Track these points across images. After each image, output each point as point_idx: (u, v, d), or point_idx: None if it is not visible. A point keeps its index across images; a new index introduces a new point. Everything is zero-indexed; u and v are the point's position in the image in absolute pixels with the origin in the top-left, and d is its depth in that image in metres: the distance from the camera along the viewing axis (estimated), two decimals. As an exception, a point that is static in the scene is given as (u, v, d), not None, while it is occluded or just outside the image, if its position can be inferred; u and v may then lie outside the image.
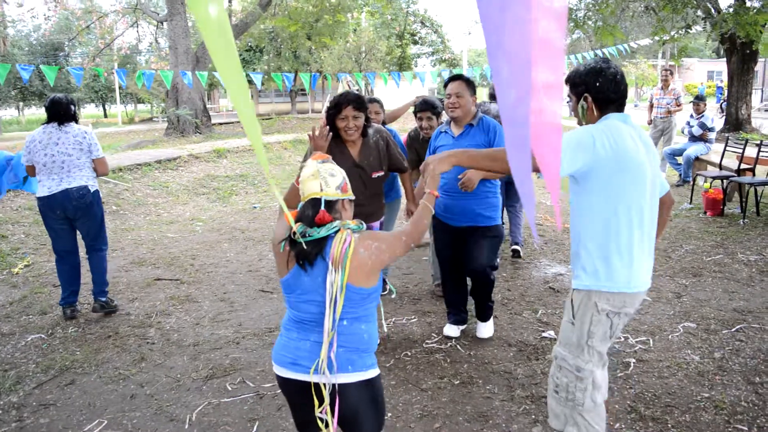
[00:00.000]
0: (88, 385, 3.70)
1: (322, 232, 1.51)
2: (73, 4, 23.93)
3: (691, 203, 8.02)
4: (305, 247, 1.95)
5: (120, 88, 30.57)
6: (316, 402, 2.00)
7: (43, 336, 4.48)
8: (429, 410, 3.26)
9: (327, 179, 2.06)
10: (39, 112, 47.81)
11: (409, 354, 3.97)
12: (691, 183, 8.70)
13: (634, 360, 3.74)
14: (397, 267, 5.87)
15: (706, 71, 53.56)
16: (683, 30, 8.21)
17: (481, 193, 3.85)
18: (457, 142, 3.87)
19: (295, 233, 1.96)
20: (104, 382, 3.73)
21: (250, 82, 31.14)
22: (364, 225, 2.11)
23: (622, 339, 4.05)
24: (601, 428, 2.44)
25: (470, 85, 3.94)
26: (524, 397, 3.35)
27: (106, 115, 43.40)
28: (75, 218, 4.70)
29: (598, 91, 2.39)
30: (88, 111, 47.53)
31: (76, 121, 4.81)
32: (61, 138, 4.65)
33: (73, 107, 4.77)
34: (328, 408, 1.96)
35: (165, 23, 20.56)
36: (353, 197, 2.15)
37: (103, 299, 4.88)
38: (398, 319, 4.60)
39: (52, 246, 4.85)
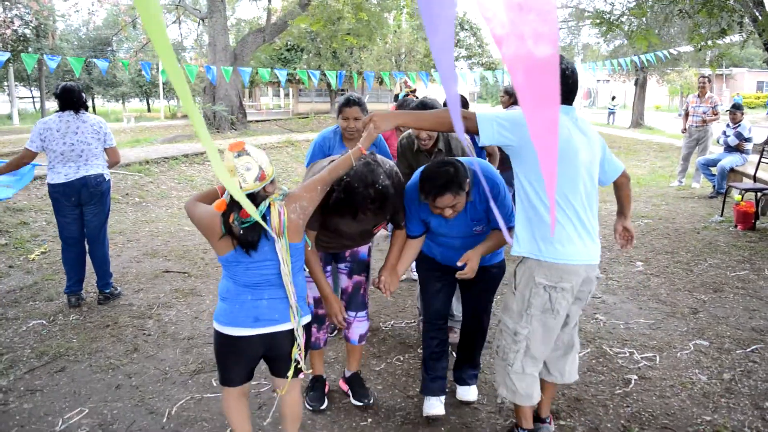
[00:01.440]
0: (78, 373, 3.70)
1: (256, 216, 1.49)
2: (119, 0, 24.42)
3: (722, 215, 7.70)
4: (246, 236, 2.27)
5: (163, 83, 31.11)
6: (296, 345, 2.41)
7: (44, 322, 4.51)
8: (411, 418, 3.15)
9: (244, 175, 2.22)
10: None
11: (402, 359, 3.86)
12: (725, 195, 8.36)
13: (636, 377, 3.55)
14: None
15: (755, 81, 52.01)
16: (717, 36, 7.86)
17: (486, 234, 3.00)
18: None
19: (233, 223, 2.25)
20: (93, 371, 3.72)
21: (290, 80, 31.35)
22: (285, 188, 2.38)
23: (627, 354, 3.87)
24: (525, 394, 2.67)
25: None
26: (512, 409, 3.21)
27: (149, 110, 44.25)
28: (88, 205, 4.74)
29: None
30: (132, 105, 48.54)
31: (86, 109, 4.83)
32: (80, 127, 4.67)
33: (83, 95, 4.79)
34: (303, 348, 2.42)
35: (205, 20, 20.86)
36: (273, 177, 2.35)
37: (107, 291, 4.92)
38: (397, 323, 4.49)
39: (59, 234, 4.88)
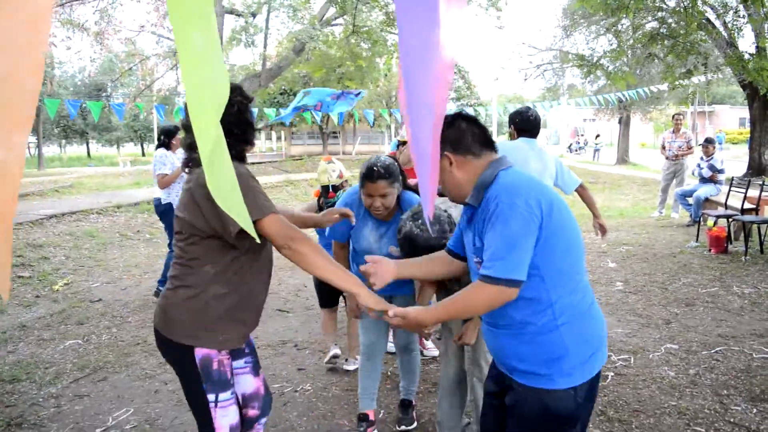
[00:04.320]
0: (118, 381, 4.15)
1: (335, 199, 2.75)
2: (118, 48, 25.23)
3: (697, 241, 8.27)
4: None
5: (158, 126, 31.86)
6: None
7: (79, 341, 4.96)
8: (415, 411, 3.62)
9: (331, 174, 3.96)
10: (80, 150, 49.75)
11: (407, 363, 4.34)
12: (699, 223, 8.95)
13: (612, 374, 4.05)
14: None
15: (738, 117, 53.38)
16: (684, 76, 8.57)
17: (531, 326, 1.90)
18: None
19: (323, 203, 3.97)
20: (132, 379, 4.17)
21: (282, 123, 32.13)
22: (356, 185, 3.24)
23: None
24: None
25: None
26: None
27: (143, 154, 44.97)
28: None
29: (517, 124, 4.19)
30: (126, 149, 49.27)
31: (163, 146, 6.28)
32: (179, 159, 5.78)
33: (168, 135, 6.22)
34: None
35: (203, 66, 21.56)
36: (346, 178, 4.03)
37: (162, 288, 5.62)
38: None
39: (169, 242, 6.25)
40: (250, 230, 1.12)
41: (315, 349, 4.76)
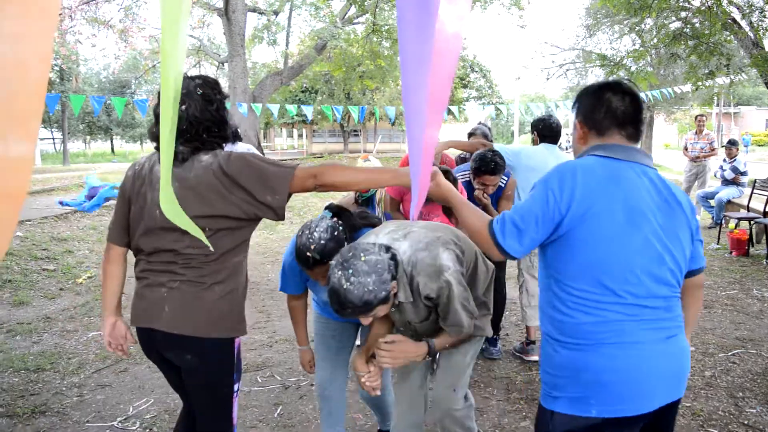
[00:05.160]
0: (139, 372, 4.24)
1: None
2: (142, 45, 25.56)
3: (718, 243, 8.20)
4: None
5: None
6: None
7: (102, 333, 5.06)
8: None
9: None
10: (104, 146, 50.48)
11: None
12: (721, 225, 8.87)
13: (627, 374, 4.05)
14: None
15: (764, 119, 52.51)
16: (706, 78, 8.50)
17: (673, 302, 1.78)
18: None
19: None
20: (152, 371, 4.26)
21: (304, 120, 32.33)
22: None
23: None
24: None
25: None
26: (519, 398, 3.72)
27: (166, 150, 45.31)
28: None
29: (540, 130, 4.46)
30: (149, 146, 49.73)
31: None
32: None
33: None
34: None
35: (225, 64, 21.84)
36: None
37: None
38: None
39: None
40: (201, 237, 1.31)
41: (331, 345, 4.82)
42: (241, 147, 5.79)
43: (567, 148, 33.18)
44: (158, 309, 2.06)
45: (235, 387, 2.22)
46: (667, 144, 47.94)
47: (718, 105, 37.78)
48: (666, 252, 1.70)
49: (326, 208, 2.58)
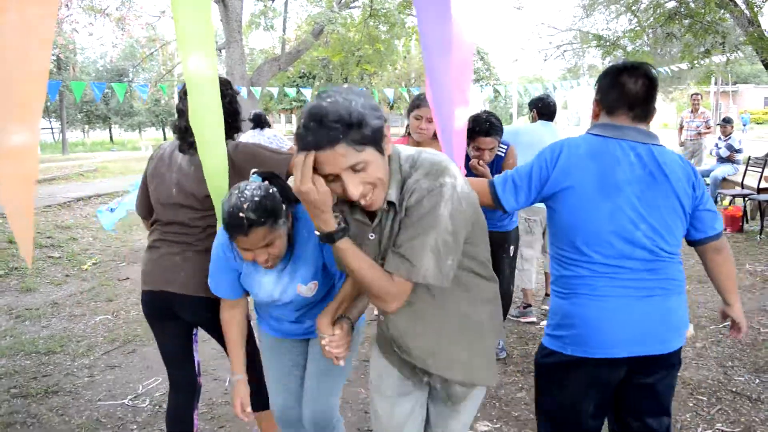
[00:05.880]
0: (147, 354, 4.37)
1: None
2: (138, 33, 25.50)
3: (713, 221, 8.29)
4: None
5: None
6: None
7: (109, 317, 5.20)
8: (431, 378, 3.78)
9: None
10: (103, 135, 50.46)
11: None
12: (717, 202, 8.97)
13: (621, 347, 4.18)
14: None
15: (762, 97, 52.40)
16: (702, 57, 8.56)
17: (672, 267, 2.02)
18: None
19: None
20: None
21: (303, 105, 32.37)
22: None
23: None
24: None
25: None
26: (515, 371, 3.85)
27: (165, 138, 45.43)
28: None
29: (539, 108, 4.83)
30: (148, 134, 49.81)
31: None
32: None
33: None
34: None
35: (223, 51, 21.82)
36: None
37: None
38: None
39: None
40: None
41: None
42: (268, 132, 6.25)
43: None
44: (174, 274, 2.40)
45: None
46: (665, 124, 47.86)
47: (716, 84, 37.70)
48: (640, 220, 1.89)
49: (253, 172, 2.07)
